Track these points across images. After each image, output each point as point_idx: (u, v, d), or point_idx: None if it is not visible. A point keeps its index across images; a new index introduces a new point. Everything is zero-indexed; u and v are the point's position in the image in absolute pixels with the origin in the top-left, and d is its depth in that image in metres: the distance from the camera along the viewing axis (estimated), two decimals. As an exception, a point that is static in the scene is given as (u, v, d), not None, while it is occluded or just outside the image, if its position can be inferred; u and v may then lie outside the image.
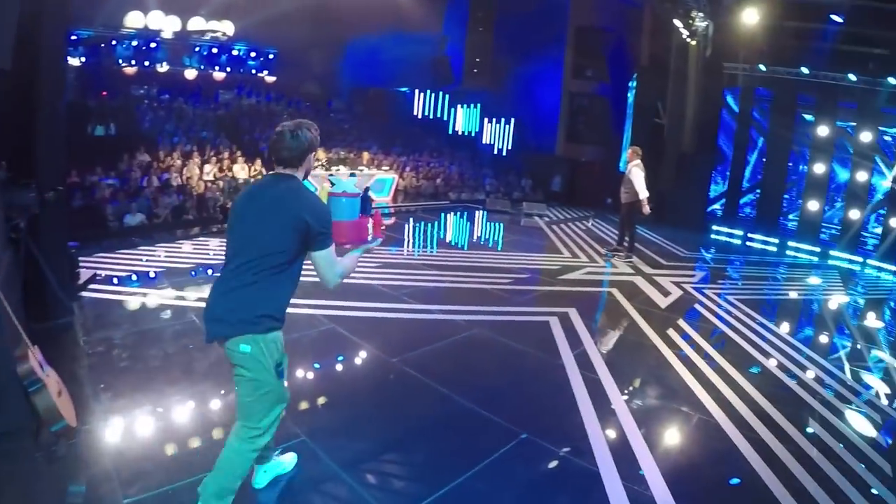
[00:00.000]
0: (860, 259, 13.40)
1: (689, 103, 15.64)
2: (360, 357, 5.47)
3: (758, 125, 15.24)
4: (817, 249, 13.95)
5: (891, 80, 12.76)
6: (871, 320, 9.41)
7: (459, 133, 23.57)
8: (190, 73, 22.80)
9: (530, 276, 9.07)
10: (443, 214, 14.90)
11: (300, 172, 2.99)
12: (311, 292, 6.30)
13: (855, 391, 6.02)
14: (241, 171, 14.88)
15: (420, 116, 24.26)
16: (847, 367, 6.70)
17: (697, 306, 8.48)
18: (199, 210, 12.41)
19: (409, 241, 11.72)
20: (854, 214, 13.64)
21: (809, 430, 4.90)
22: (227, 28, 22.77)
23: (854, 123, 13.68)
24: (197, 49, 22.91)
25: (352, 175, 13.22)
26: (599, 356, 5.95)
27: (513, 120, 21.95)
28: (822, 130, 13.91)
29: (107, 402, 4.35)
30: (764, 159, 15.18)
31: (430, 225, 13.40)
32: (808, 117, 14.27)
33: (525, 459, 4.00)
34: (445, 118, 23.86)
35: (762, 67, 14.38)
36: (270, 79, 24.73)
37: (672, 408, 5.08)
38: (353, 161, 15.86)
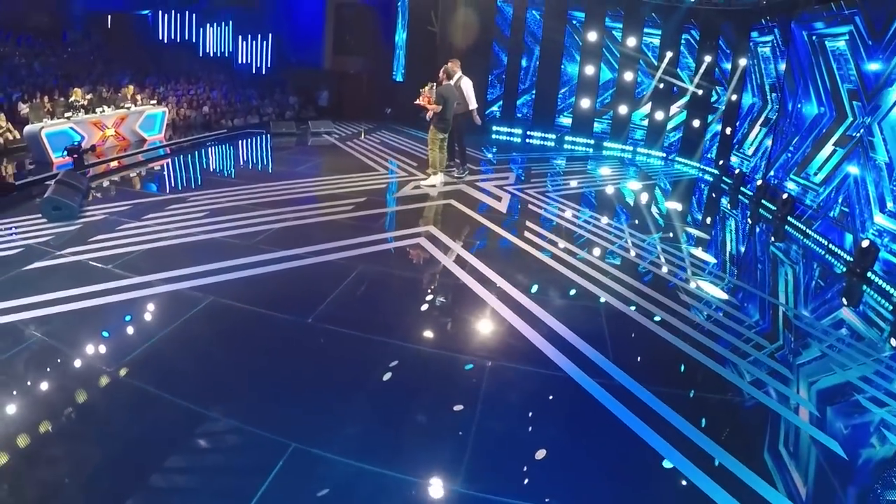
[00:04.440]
0: (630, 148, 15.26)
1: (462, 12, 15.78)
2: (273, 328, 4.56)
3: (531, 32, 16.07)
4: (592, 142, 15.54)
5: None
6: (678, 203, 11.06)
7: (212, 54, 21.36)
8: None
9: (367, 199, 8.69)
10: (231, 145, 13.40)
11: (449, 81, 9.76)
12: (161, 263, 5.58)
13: (696, 265, 7.18)
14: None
15: (166, 41, 21.43)
16: (688, 247, 7.93)
17: (532, 207, 9.03)
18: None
19: (219, 182, 10.05)
20: (623, 110, 15.37)
21: (684, 301, 5.75)
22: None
23: (621, 28, 15.15)
24: None
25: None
26: (488, 268, 6.01)
27: (270, 35, 20.42)
28: (592, 36, 15.18)
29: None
30: (538, 63, 16.16)
31: (226, 158, 12.06)
32: (578, 24, 15.43)
33: (510, 387, 3.97)
34: (195, 40, 21.45)
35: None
36: (-9, 13, 19.75)
37: (579, 305, 5.52)
38: (117, 98, 13.43)
